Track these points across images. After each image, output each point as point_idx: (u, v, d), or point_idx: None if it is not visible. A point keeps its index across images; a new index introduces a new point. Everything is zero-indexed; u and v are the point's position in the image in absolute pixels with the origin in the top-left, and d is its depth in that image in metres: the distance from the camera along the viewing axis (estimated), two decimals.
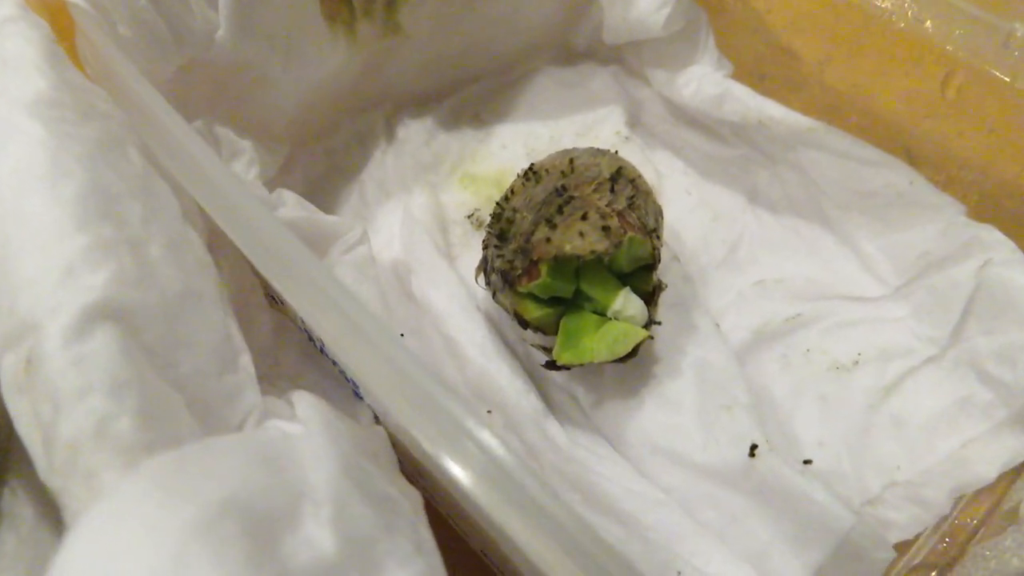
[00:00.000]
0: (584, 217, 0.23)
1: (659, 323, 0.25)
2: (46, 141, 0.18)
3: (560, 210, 0.24)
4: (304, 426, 0.18)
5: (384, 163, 0.33)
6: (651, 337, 0.24)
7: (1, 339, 0.16)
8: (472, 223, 0.32)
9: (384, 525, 0.16)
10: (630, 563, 0.14)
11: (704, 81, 0.32)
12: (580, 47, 0.37)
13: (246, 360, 0.20)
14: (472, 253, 0.31)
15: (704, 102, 0.32)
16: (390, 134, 0.34)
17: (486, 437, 0.16)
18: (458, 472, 0.16)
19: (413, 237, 0.30)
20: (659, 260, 0.25)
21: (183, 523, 0.13)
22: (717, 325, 0.27)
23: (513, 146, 0.34)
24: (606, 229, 0.23)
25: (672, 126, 0.35)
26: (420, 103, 0.35)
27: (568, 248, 0.23)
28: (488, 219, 0.28)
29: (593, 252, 0.23)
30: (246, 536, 0.13)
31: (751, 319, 0.29)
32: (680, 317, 0.27)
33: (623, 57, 0.37)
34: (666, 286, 0.25)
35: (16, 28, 0.20)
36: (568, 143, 0.34)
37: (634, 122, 0.35)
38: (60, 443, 0.15)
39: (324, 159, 0.33)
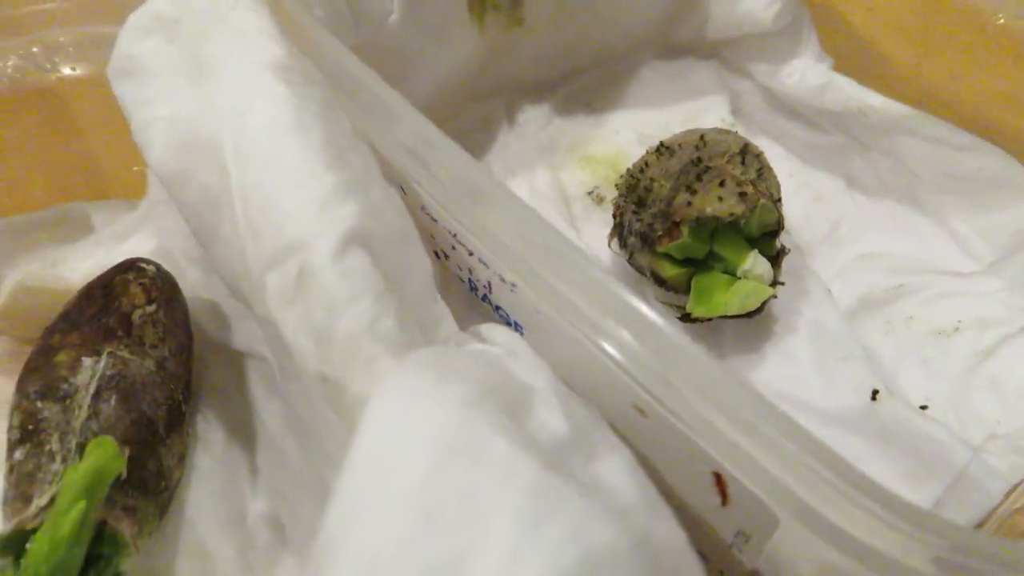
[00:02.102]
0: (722, 184, 0.26)
1: (783, 283, 0.28)
2: (290, 99, 0.21)
3: (699, 178, 0.27)
4: (504, 347, 0.21)
5: (507, 145, 0.36)
6: (775, 296, 0.27)
7: (266, 261, 0.19)
8: (593, 199, 0.34)
9: (592, 420, 0.18)
10: (791, 421, 0.17)
11: (807, 73, 0.35)
12: (681, 43, 0.40)
13: (439, 297, 0.23)
14: (593, 225, 0.33)
15: (807, 92, 0.35)
16: (511, 119, 0.37)
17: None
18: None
19: (541, 211, 0.33)
20: (783, 227, 0.28)
21: (458, 395, 0.16)
22: (828, 290, 0.30)
23: (624, 131, 0.37)
24: (743, 195, 0.26)
25: (771, 116, 0.38)
26: (537, 91, 0.38)
27: (709, 210, 0.26)
28: (608, 195, 0.31)
29: (732, 215, 0.26)
30: (504, 411, 0.16)
31: (855, 288, 0.31)
32: (793, 282, 0.30)
33: (722, 52, 0.40)
34: (789, 251, 0.28)
35: (248, 3, 0.23)
36: (676, 129, 0.37)
37: (736, 111, 0.38)
38: (337, 339, 0.18)
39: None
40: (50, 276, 0.28)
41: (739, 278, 0.27)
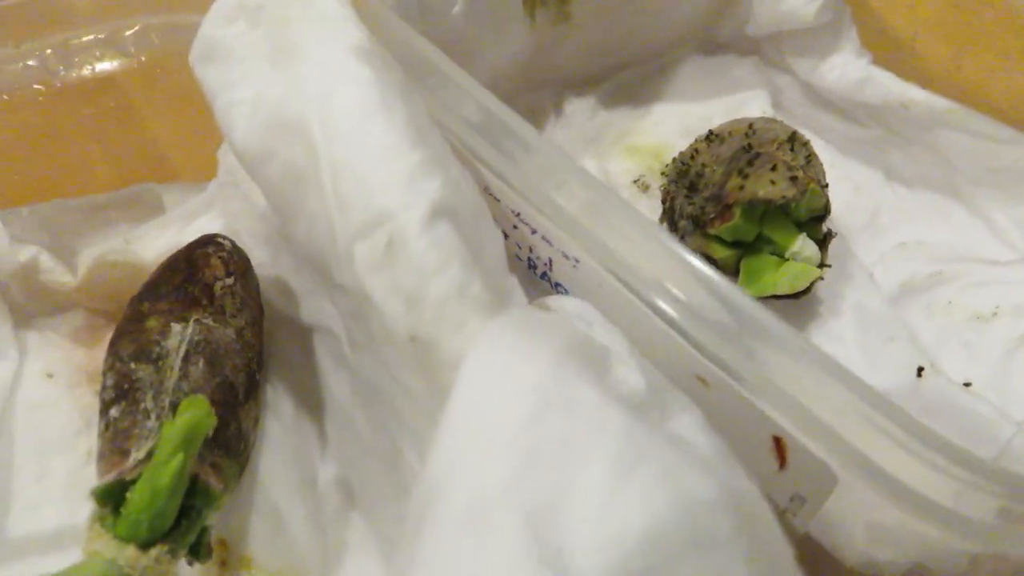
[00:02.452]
0: (773, 168, 0.27)
1: (829, 266, 0.29)
2: (374, 81, 0.22)
3: (750, 163, 0.28)
4: (576, 315, 0.22)
5: (555, 135, 0.37)
6: (822, 278, 0.28)
7: (354, 231, 0.21)
8: (638, 187, 0.36)
9: (664, 381, 0.20)
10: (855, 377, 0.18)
11: (848, 68, 0.36)
12: (722, 39, 0.41)
13: (508, 270, 0.24)
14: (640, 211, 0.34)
15: (847, 87, 0.36)
16: (558, 110, 0.38)
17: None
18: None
19: None
20: (829, 212, 0.29)
21: (549, 351, 0.17)
22: (871, 275, 0.31)
23: (668, 123, 0.38)
24: (793, 179, 0.27)
25: (810, 109, 0.39)
26: (582, 84, 0.39)
27: (761, 193, 0.27)
28: (652, 183, 0.32)
29: (783, 198, 0.27)
30: (589, 367, 0.17)
31: (896, 275, 0.32)
32: (836, 268, 0.31)
33: (762, 48, 0.41)
34: (836, 234, 0.29)
35: None
36: (718, 121, 0.38)
37: (776, 105, 0.39)
38: (428, 303, 0.19)
39: None
40: (126, 252, 0.30)
41: (787, 260, 0.28)
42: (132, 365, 0.23)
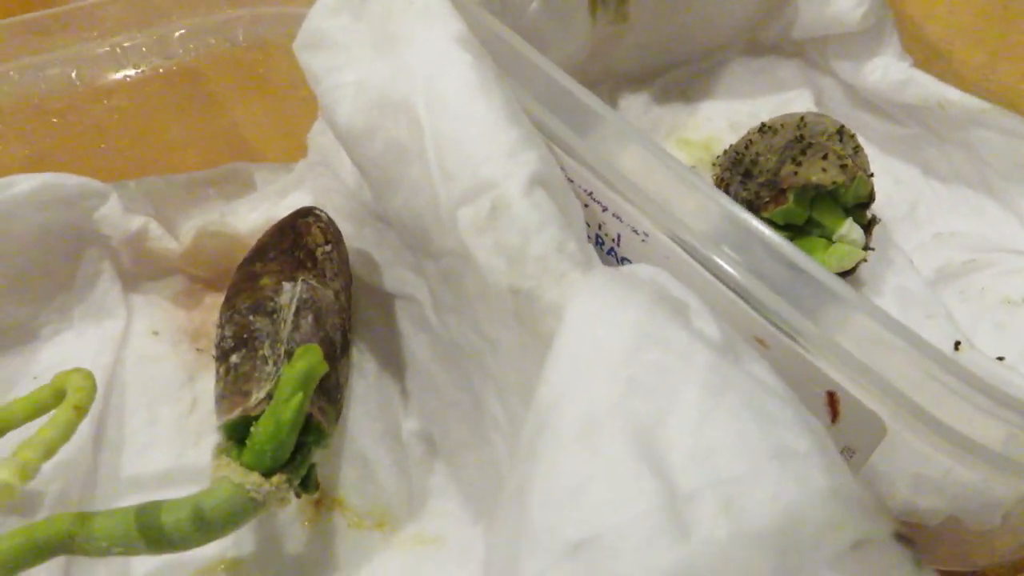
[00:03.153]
0: (824, 157, 0.30)
1: (873, 249, 0.31)
2: (475, 66, 0.25)
3: (803, 152, 0.30)
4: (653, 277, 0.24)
5: None
6: (866, 260, 0.30)
7: (458, 198, 0.23)
8: None
9: (735, 333, 0.22)
10: (906, 329, 0.20)
11: (889, 70, 0.38)
12: (767, 42, 0.44)
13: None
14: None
15: (888, 88, 0.38)
16: (613, 105, 0.41)
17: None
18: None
19: None
20: (874, 199, 0.31)
21: (642, 297, 0.19)
22: (911, 260, 0.33)
23: (717, 119, 0.41)
24: (843, 167, 0.29)
25: (851, 109, 0.41)
26: (636, 81, 0.42)
27: (814, 179, 0.29)
28: (704, 174, 0.34)
29: (834, 183, 0.29)
30: (675, 313, 0.20)
31: (932, 261, 0.35)
32: (878, 253, 0.33)
33: (805, 52, 0.43)
34: (879, 220, 0.31)
35: None
36: (765, 118, 0.40)
37: (818, 104, 0.41)
38: (531, 258, 0.21)
39: None
40: (224, 224, 0.32)
41: (835, 242, 0.30)
42: (250, 317, 0.25)
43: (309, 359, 0.24)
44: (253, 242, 0.32)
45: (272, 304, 0.26)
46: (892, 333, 0.21)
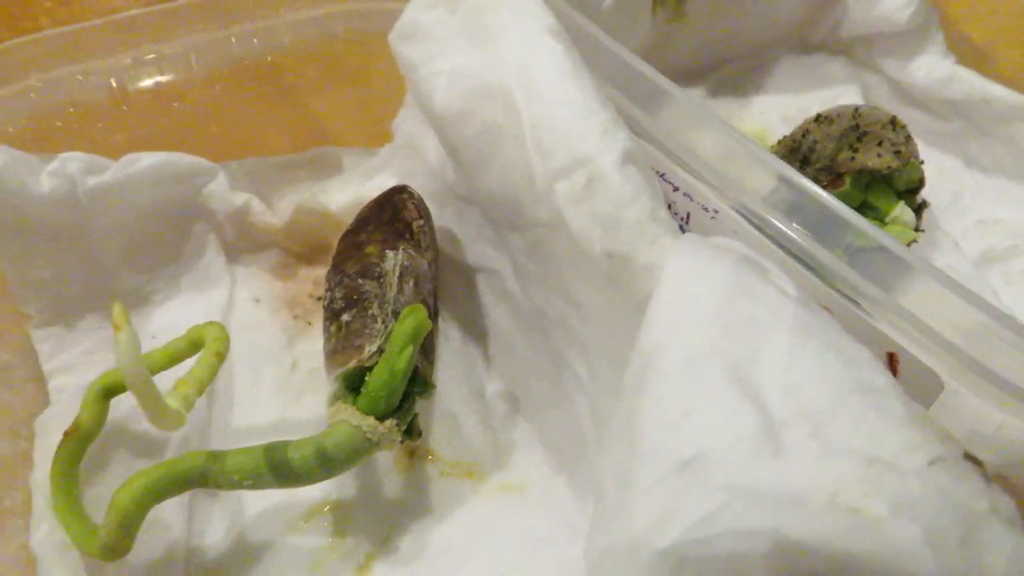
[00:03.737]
0: (880, 144, 0.32)
1: (923, 231, 0.34)
2: (566, 54, 0.27)
3: (859, 139, 0.32)
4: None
5: None
6: (916, 240, 0.33)
7: (554, 173, 0.26)
8: None
9: (808, 294, 0.24)
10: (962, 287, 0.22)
11: (935, 67, 0.41)
12: (815, 40, 0.46)
13: None
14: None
15: (933, 84, 0.41)
16: None
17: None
18: None
19: None
20: (924, 185, 0.33)
21: (728, 258, 0.22)
22: (957, 243, 0.36)
23: (768, 113, 0.43)
24: (897, 153, 0.32)
25: (896, 104, 0.43)
26: (691, 76, 0.45)
27: (871, 164, 0.32)
28: None
29: (889, 168, 0.31)
30: (759, 273, 0.22)
31: (977, 246, 0.37)
32: (926, 236, 0.36)
33: (851, 49, 0.45)
34: (928, 204, 0.34)
35: None
36: (815, 111, 0.42)
37: (865, 99, 0.44)
38: (626, 225, 0.24)
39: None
40: (319, 202, 0.35)
41: (887, 224, 0.33)
42: (359, 281, 0.28)
43: (417, 317, 0.26)
44: (344, 219, 0.35)
45: (378, 269, 0.28)
46: (950, 291, 0.23)
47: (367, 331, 0.27)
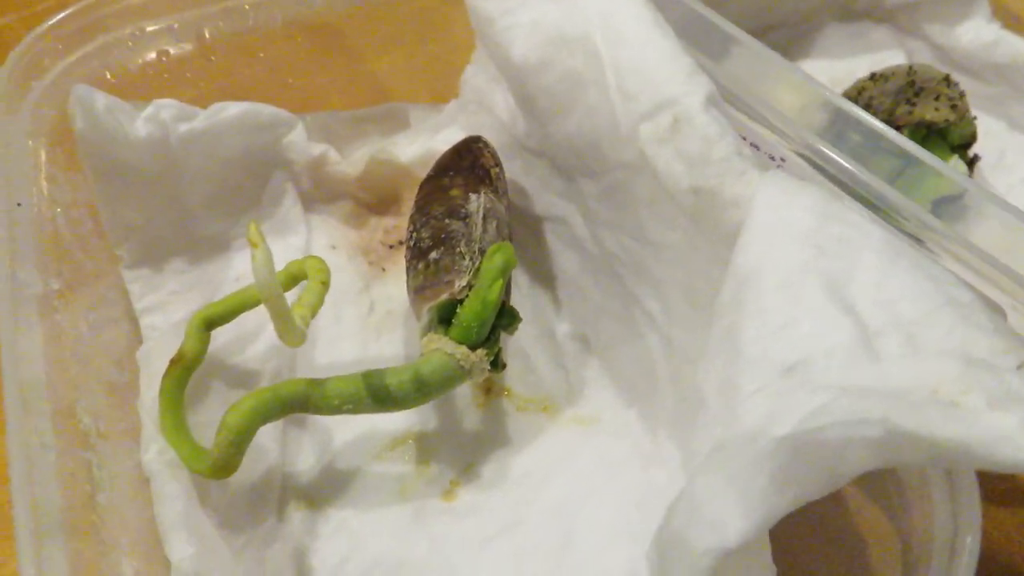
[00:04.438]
0: (937, 98, 0.33)
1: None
2: (646, 4, 0.29)
3: (917, 94, 0.34)
4: None
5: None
6: None
7: (639, 115, 0.27)
8: None
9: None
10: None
11: (980, 32, 0.42)
12: (859, 8, 0.47)
13: None
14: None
15: (978, 49, 0.42)
16: None
17: None
18: None
19: None
20: (976, 139, 0.35)
21: (815, 188, 0.23)
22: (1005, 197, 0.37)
23: (817, 76, 0.44)
24: (954, 107, 0.33)
25: (940, 68, 0.44)
26: None
27: (928, 116, 0.33)
28: None
29: (946, 120, 0.33)
30: (844, 202, 0.24)
31: (1020, 202, 0.38)
32: None
33: (895, 17, 0.47)
34: (980, 158, 0.35)
35: None
36: (862, 75, 0.44)
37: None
38: (713, 161, 0.25)
39: None
40: (391, 153, 0.36)
41: None
42: (445, 221, 0.30)
43: (506, 252, 0.28)
44: (414, 170, 0.36)
45: (464, 211, 0.30)
46: (1014, 216, 0.24)
47: (456, 267, 0.28)
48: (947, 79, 0.35)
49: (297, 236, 0.35)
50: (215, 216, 0.35)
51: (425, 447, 0.30)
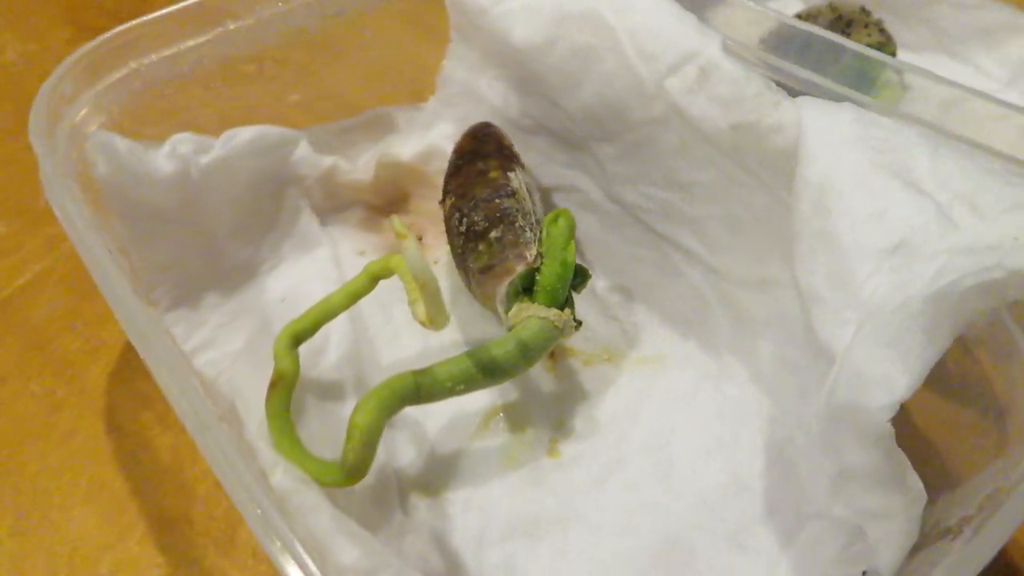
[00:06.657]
0: (866, 26, 0.38)
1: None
2: None
3: (848, 25, 0.39)
4: None
5: None
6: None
7: (662, 72, 0.30)
8: None
9: None
10: None
11: None
12: None
13: None
14: None
15: None
16: None
17: None
18: None
19: None
20: (896, 55, 0.40)
21: (848, 104, 0.27)
22: None
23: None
24: (882, 31, 0.38)
25: None
26: None
27: (864, 42, 0.38)
28: None
29: (879, 44, 0.38)
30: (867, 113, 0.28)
31: None
32: None
33: None
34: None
35: None
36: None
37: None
38: (747, 97, 0.28)
39: None
40: (396, 155, 0.37)
41: (881, 88, 0.39)
42: (496, 201, 0.31)
43: (567, 217, 0.30)
44: (420, 167, 0.38)
45: (509, 188, 0.32)
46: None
47: (521, 241, 0.30)
48: (863, 9, 0.40)
49: (322, 249, 0.36)
50: (240, 244, 0.34)
51: (515, 417, 0.32)
